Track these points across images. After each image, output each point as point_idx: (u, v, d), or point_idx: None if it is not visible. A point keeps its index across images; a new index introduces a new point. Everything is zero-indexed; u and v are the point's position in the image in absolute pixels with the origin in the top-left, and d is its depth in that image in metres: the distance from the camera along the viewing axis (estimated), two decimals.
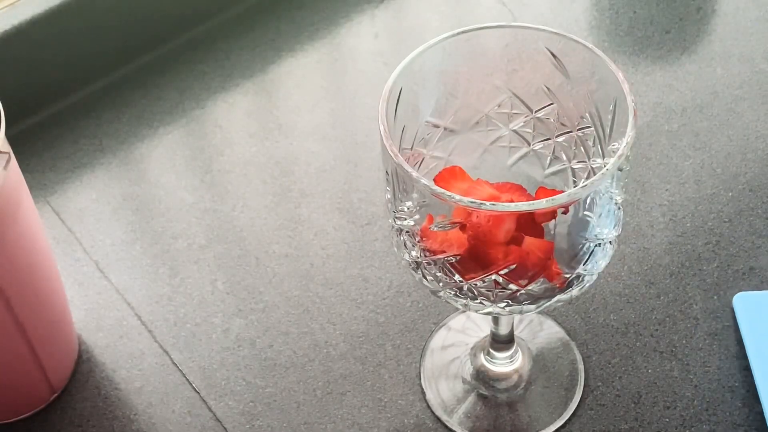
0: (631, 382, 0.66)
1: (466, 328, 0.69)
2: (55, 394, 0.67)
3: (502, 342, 0.66)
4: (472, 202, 0.49)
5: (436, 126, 0.57)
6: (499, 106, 0.57)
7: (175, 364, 0.68)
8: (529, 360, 0.67)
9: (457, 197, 0.49)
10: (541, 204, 0.49)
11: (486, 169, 0.58)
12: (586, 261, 0.54)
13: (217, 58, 0.84)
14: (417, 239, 0.54)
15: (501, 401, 0.66)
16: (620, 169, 0.51)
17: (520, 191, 0.55)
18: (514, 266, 0.53)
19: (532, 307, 0.56)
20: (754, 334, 0.65)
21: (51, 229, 0.74)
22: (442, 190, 0.49)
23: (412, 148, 0.56)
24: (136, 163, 0.78)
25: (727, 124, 0.77)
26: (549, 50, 0.55)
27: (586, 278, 0.56)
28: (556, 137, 0.57)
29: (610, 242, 0.56)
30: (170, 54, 0.84)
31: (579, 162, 0.57)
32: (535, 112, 0.57)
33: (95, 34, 0.81)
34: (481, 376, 0.67)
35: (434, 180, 0.54)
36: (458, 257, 0.53)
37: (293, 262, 0.72)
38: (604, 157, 0.55)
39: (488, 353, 0.67)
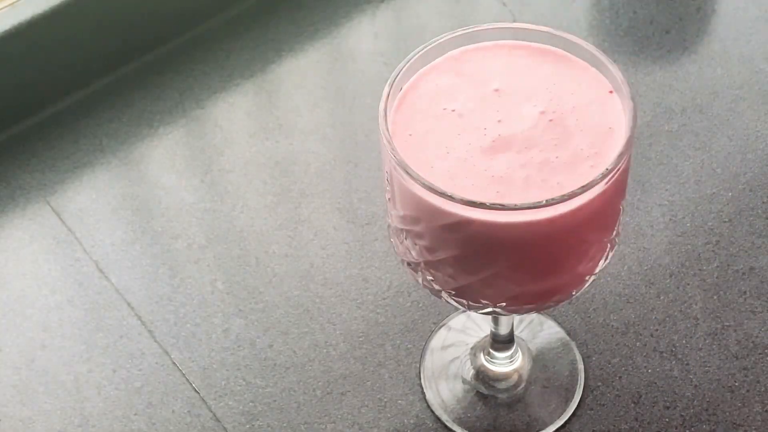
0: (631, 382, 0.66)
1: (466, 328, 0.69)
2: None
3: (502, 342, 0.66)
4: (471, 202, 0.49)
5: None
6: None
7: (175, 364, 0.68)
8: (529, 360, 0.67)
9: (458, 197, 0.49)
10: (541, 204, 0.49)
11: None
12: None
13: (217, 58, 0.84)
14: (417, 239, 0.54)
15: (501, 401, 0.66)
16: (619, 170, 0.51)
17: None
18: None
19: (532, 306, 0.56)
20: None
21: (51, 229, 0.75)
22: (443, 190, 0.49)
23: None
24: (136, 163, 0.78)
25: (727, 124, 0.77)
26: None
27: (587, 278, 0.56)
28: None
29: (610, 242, 0.56)
30: (170, 54, 0.84)
31: None
32: None
33: (95, 34, 0.81)
34: (481, 376, 0.67)
35: None
36: (458, 257, 0.53)
37: (293, 262, 0.72)
38: None
39: (488, 353, 0.67)
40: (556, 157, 0.51)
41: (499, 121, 0.52)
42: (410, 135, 0.53)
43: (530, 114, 0.52)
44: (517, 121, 0.52)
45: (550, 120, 0.52)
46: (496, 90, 0.53)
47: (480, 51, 0.55)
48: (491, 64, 0.55)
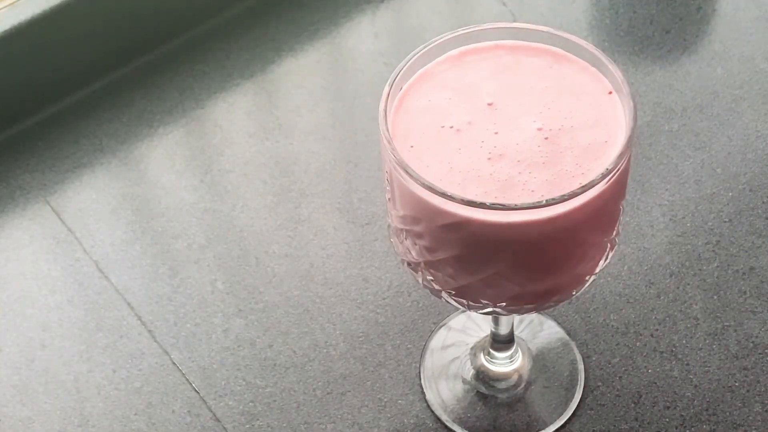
0: (631, 382, 0.66)
1: (466, 328, 0.69)
2: None
3: (502, 342, 0.66)
4: (471, 202, 0.49)
5: None
6: None
7: (175, 364, 0.68)
8: (529, 360, 0.67)
9: (458, 197, 0.49)
10: (541, 204, 0.49)
11: None
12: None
13: (217, 58, 0.84)
14: (417, 239, 0.54)
15: (501, 401, 0.66)
16: (619, 170, 0.51)
17: None
18: None
19: (532, 306, 0.56)
20: None
21: (51, 229, 0.75)
22: (443, 190, 0.49)
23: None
24: (136, 163, 0.78)
25: (727, 124, 0.77)
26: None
27: (587, 278, 0.56)
28: None
29: (610, 242, 0.56)
30: (170, 54, 0.84)
31: None
32: None
33: (95, 34, 0.81)
34: (481, 376, 0.67)
35: None
36: (458, 257, 0.53)
37: (293, 262, 0.72)
38: None
39: (488, 353, 0.67)
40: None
41: (496, 133, 0.52)
42: (412, 147, 0.53)
43: (528, 128, 0.52)
44: (514, 133, 0.52)
45: (546, 138, 0.52)
46: (490, 104, 0.53)
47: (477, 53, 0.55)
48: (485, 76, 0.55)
